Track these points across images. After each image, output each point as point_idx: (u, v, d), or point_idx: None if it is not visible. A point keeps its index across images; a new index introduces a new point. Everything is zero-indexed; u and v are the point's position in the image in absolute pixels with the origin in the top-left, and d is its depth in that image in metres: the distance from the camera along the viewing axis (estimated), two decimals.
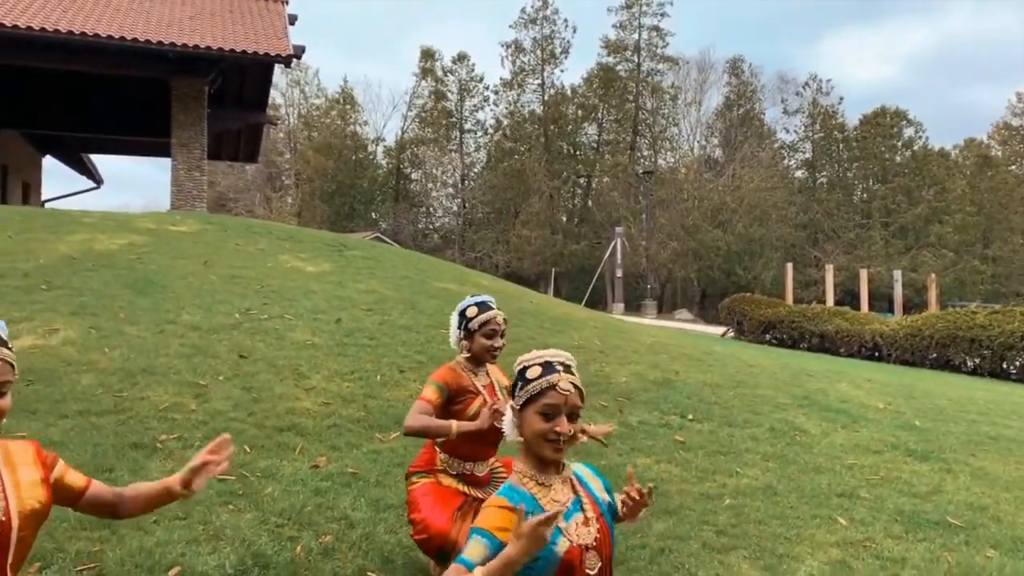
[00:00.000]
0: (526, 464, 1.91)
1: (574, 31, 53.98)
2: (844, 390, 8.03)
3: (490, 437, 3.14)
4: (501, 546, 1.70)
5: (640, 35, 47.85)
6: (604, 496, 1.99)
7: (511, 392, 2.00)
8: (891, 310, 28.45)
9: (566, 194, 49.85)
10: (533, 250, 43.64)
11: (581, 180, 50.36)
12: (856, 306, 24.19)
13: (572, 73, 61.02)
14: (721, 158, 49.35)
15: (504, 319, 3.28)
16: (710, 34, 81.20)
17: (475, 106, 50.39)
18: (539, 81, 48.74)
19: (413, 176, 51.17)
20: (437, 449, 3.24)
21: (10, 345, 1.78)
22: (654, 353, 8.27)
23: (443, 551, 3.19)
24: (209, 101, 17.75)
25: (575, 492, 1.92)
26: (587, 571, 1.82)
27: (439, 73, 49.27)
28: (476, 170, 51.51)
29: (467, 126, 50.58)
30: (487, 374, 3.29)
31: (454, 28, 71.39)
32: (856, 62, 76.79)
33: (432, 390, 3.10)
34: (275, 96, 45.06)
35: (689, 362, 8.14)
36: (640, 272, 44.14)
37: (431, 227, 51.64)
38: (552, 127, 48.44)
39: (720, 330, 22.98)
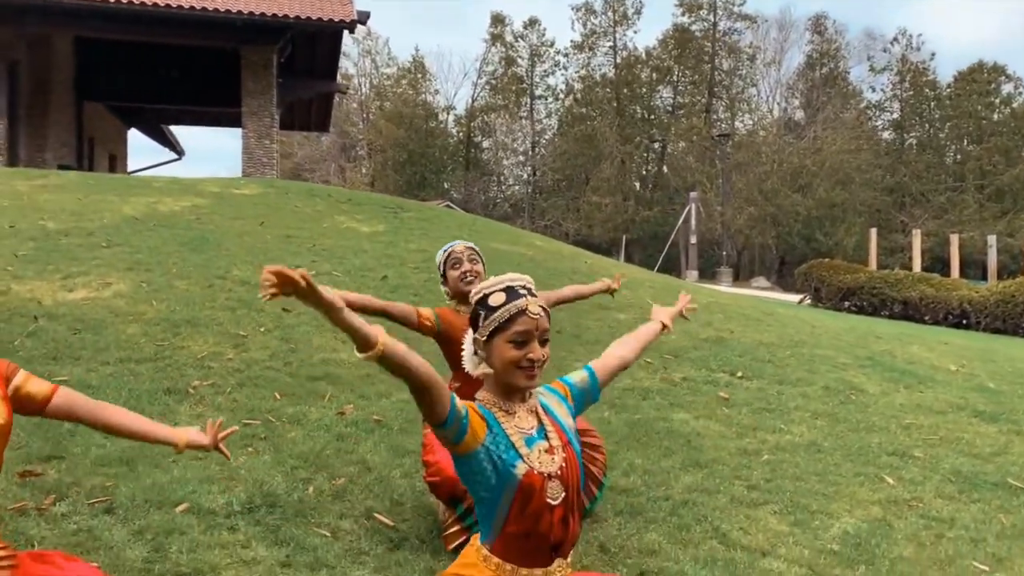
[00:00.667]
0: (489, 393, 1.84)
1: None
2: (914, 352, 7.60)
3: None
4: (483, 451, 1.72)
5: None
6: (570, 423, 1.91)
7: (472, 324, 1.87)
8: (984, 277, 26.93)
9: (638, 159, 48.92)
10: (604, 217, 43.07)
11: (655, 145, 49.34)
12: (946, 273, 22.96)
13: (645, 34, 59.54)
14: (802, 120, 47.43)
15: (470, 247, 3.26)
16: None
17: (546, 71, 49.81)
18: (611, 44, 47.74)
19: (484, 144, 51.09)
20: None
21: None
22: (709, 312, 8.00)
23: (455, 496, 3.13)
24: (280, 71, 18.06)
25: (539, 421, 1.84)
26: (549, 499, 1.76)
27: (509, 39, 48.85)
28: (547, 137, 51.06)
29: (538, 92, 50.09)
30: None
31: None
32: (949, 17, 72.28)
33: (427, 310, 3.20)
34: (347, 67, 45.62)
35: (746, 322, 7.85)
36: (715, 239, 43.06)
37: (501, 196, 51.58)
38: (625, 91, 47.46)
39: (797, 298, 22.20)
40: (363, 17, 16.82)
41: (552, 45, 49.34)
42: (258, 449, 3.74)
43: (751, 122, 49.36)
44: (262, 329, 5.57)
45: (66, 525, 2.92)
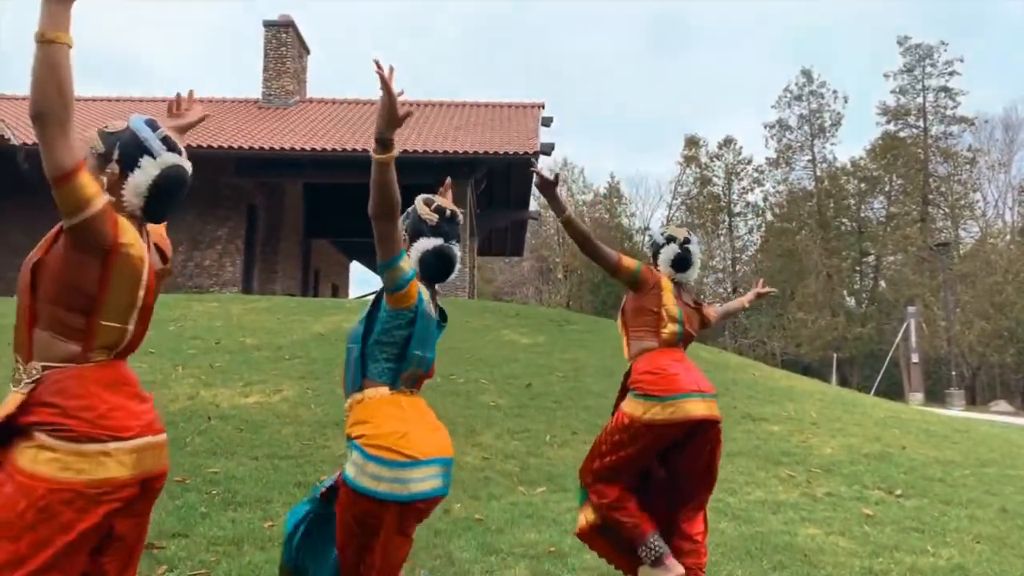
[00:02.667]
0: None
1: (845, 102, 51.10)
2: None
3: None
4: None
5: (925, 98, 43.83)
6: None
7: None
8: None
9: (847, 273, 46.11)
10: (811, 334, 40.60)
11: (869, 258, 46.37)
12: None
13: (847, 144, 57.37)
14: None
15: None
16: (1017, 87, 71.73)
17: (744, 188, 49.23)
18: (808, 157, 46.41)
19: None
20: None
21: None
22: (882, 427, 7.31)
23: None
24: (478, 202, 19.61)
25: None
26: None
27: (704, 159, 49.14)
28: (748, 253, 49.84)
29: (736, 209, 49.47)
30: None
31: (715, 116, 71.10)
32: None
33: (632, 260, 3.32)
34: None
35: (925, 437, 7.07)
36: (943, 357, 38.90)
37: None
38: (829, 203, 45.54)
39: None
40: (547, 148, 17.95)
41: (750, 162, 48.97)
42: None
43: (977, 229, 45.13)
44: None
45: None
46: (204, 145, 15.97)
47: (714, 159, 49.55)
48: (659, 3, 75.37)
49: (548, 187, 3.19)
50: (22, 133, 15.33)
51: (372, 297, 2.62)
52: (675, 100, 73.10)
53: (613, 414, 3.28)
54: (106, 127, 1.88)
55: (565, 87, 74.75)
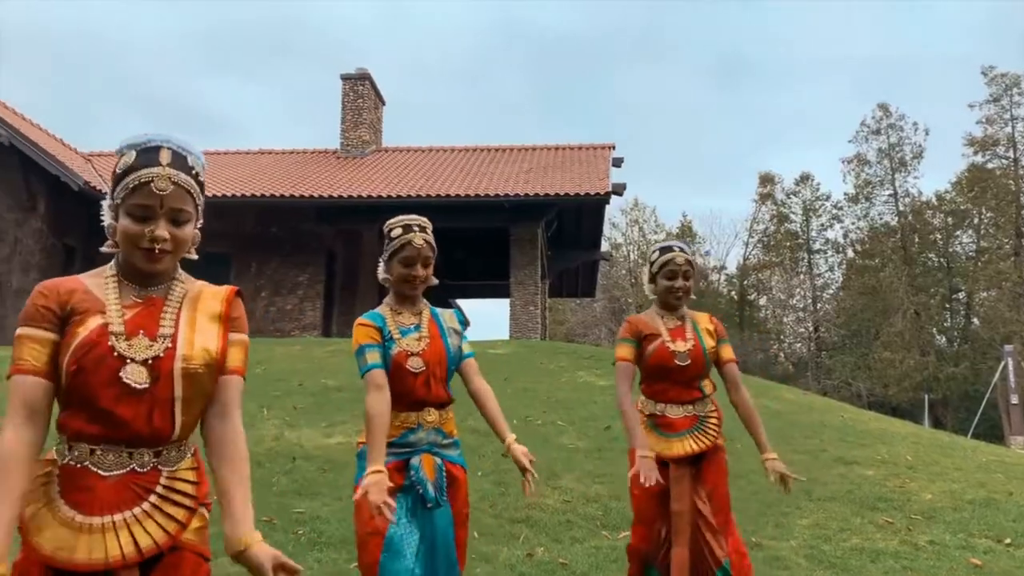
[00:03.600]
0: (390, 299, 2.76)
1: (926, 134, 49.47)
2: None
3: (678, 375, 3.17)
4: (381, 347, 2.63)
5: (1014, 127, 42.12)
6: (454, 326, 2.80)
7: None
8: None
9: (936, 310, 44.13)
10: (899, 374, 38.81)
11: (959, 294, 44.35)
12: None
13: (931, 178, 55.34)
14: None
15: (688, 260, 3.28)
16: None
17: (823, 225, 47.95)
18: (890, 191, 44.92)
19: (760, 302, 49.64)
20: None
21: (196, 173, 1.67)
22: (985, 471, 6.90)
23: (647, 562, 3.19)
24: (549, 243, 19.69)
25: (419, 320, 2.72)
26: (410, 369, 2.62)
27: (780, 196, 48.20)
28: (830, 291, 48.32)
29: (816, 246, 48.17)
30: (682, 318, 3.27)
31: (787, 152, 69.81)
32: None
33: (625, 348, 3.22)
34: (615, 236, 47.91)
35: None
36: None
37: (782, 354, 49.03)
38: (913, 237, 43.90)
39: None
40: (619, 189, 17.93)
41: (828, 198, 47.79)
42: None
43: None
44: (479, 473, 5.89)
45: None
46: (286, 195, 16.60)
47: (790, 196, 48.57)
48: (724, 42, 75.12)
49: None
50: None
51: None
52: (746, 137, 72.28)
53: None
54: None
55: (633, 128, 74.94)
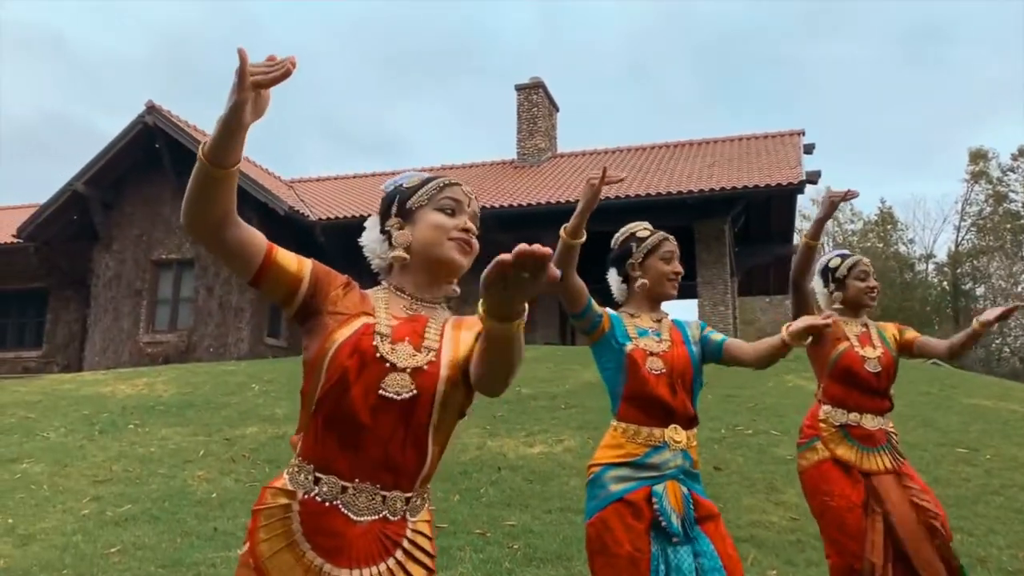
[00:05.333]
0: (626, 307, 2.58)
1: None
2: None
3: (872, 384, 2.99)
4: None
5: None
6: (695, 334, 2.54)
7: (621, 256, 2.62)
8: None
9: None
10: None
11: None
12: None
13: None
14: None
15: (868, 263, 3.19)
16: None
17: None
18: None
19: (977, 292, 44.75)
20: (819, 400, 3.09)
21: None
22: None
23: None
24: (736, 239, 18.79)
25: (659, 327, 2.50)
26: (651, 370, 2.37)
27: (995, 173, 43.25)
28: None
29: None
30: (865, 324, 3.14)
31: (995, 126, 62.14)
32: None
33: None
34: (806, 228, 45.11)
35: None
36: None
37: (1008, 349, 43.90)
38: None
39: None
40: (812, 177, 16.74)
41: None
42: None
43: None
44: None
45: None
46: None
47: (1008, 172, 43.49)
48: (912, 13, 68.72)
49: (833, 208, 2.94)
50: (318, 209, 17.37)
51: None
52: (945, 112, 65.64)
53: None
54: None
55: (817, 111, 70.42)
